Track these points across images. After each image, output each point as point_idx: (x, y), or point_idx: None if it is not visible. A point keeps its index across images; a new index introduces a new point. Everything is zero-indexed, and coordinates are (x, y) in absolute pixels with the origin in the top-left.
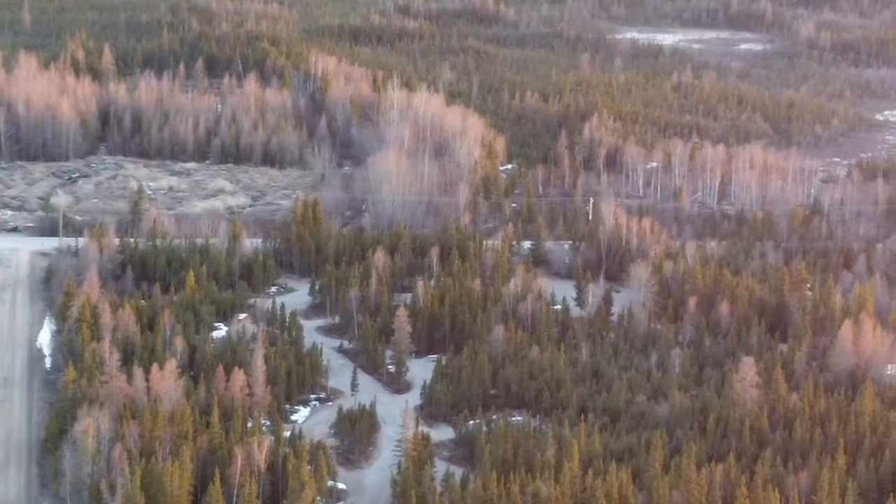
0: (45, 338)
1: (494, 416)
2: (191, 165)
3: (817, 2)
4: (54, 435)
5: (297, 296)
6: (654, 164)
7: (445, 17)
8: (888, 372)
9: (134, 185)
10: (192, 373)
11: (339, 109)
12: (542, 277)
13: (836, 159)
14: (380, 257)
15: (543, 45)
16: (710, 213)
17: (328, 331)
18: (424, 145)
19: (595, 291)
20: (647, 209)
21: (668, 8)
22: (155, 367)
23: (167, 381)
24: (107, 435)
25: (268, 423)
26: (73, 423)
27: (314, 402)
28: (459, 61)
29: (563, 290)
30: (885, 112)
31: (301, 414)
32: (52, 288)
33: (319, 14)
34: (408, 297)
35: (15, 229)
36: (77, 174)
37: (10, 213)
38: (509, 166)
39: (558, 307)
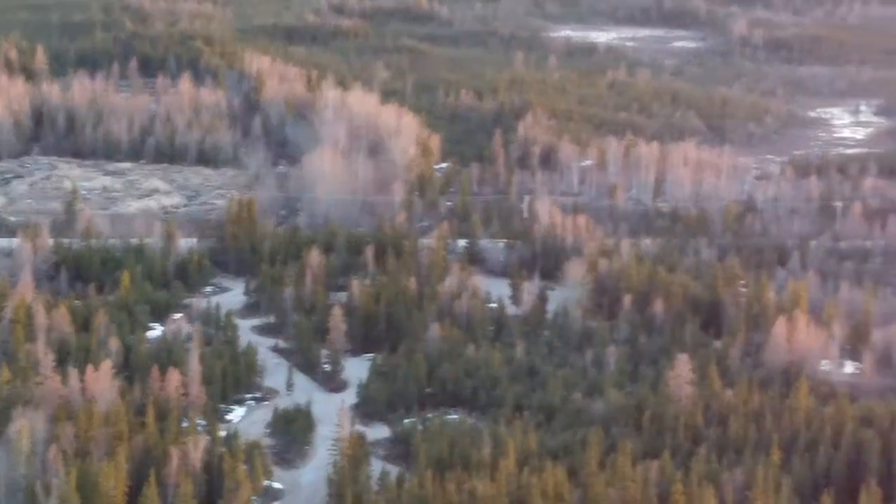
0: None
1: (430, 415)
2: (125, 165)
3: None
4: None
5: (233, 295)
6: (589, 162)
7: (380, 15)
8: (822, 368)
9: (68, 185)
10: (127, 373)
11: (273, 109)
12: (478, 276)
13: (769, 156)
14: (315, 256)
15: (478, 43)
16: (645, 210)
17: (263, 330)
18: (359, 144)
19: (530, 289)
20: (582, 207)
21: (602, 6)
22: (90, 367)
23: (102, 381)
24: (41, 436)
25: (203, 422)
26: (8, 424)
27: (250, 402)
28: (394, 60)
29: (499, 289)
30: (818, 109)
31: (236, 413)
32: None
33: (253, 13)
34: (343, 296)
35: None
36: (10, 174)
37: None
38: (444, 165)
39: (494, 305)
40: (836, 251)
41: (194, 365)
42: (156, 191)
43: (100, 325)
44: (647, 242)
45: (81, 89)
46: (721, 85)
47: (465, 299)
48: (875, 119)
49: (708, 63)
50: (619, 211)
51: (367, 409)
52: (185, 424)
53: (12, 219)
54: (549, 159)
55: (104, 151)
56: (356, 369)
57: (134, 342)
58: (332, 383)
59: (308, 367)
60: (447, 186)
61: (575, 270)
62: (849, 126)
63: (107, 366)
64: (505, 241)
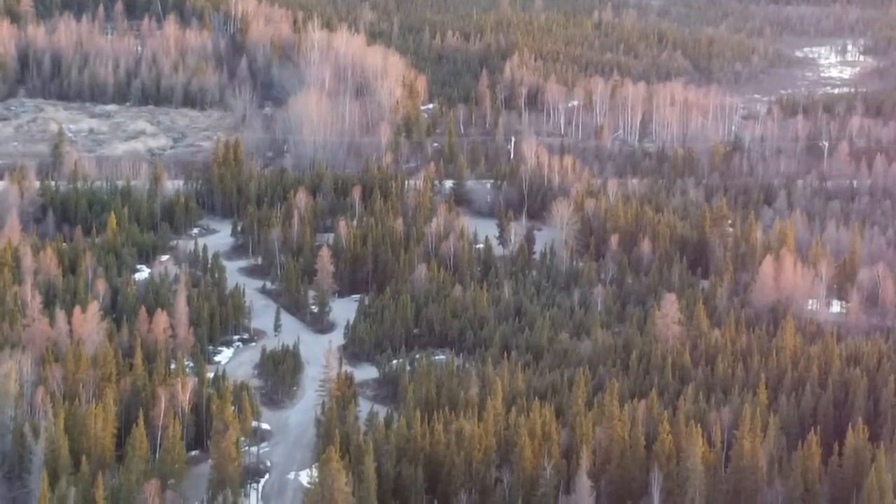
0: None
1: (417, 356)
2: (111, 108)
3: None
4: None
5: (220, 237)
6: (575, 103)
7: None
8: (809, 307)
9: (54, 127)
10: (114, 315)
11: (259, 50)
12: (464, 216)
13: (756, 96)
14: (301, 198)
15: None
16: (632, 150)
17: (250, 272)
18: (345, 86)
19: (517, 230)
20: (569, 147)
21: None
22: (77, 309)
23: (89, 323)
24: (29, 378)
25: (191, 364)
26: None
27: (237, 343)
28: (380, 1)
29: (485, 229)
30: (805, 49)
31: (224, 355)
32: None
33: None
34: (330, 237)
35: None
36: None
37: None
38: (430, 106)
39: (480, 246)
40: (823, 190)
41: (181, 306)
42: (142, 133)
43: (87, 268)
44: (633, 183)
45: (67, 32)
46: (707, 25)
47: (451, 240)
48: (862, 58)
49: (694, 3)
50: (605, 151)
51: (354, 350)
52: (172, 366)
53: None
54: (535, 100)
55: (90, 94)
56: (343, 310)
57: (121, 284)
58: (320, 324)
59: (295, 308)
60: (433, 127)
61: (561, 211)
62: (835, 65)
63: (94, 308)
64: (491, 181)
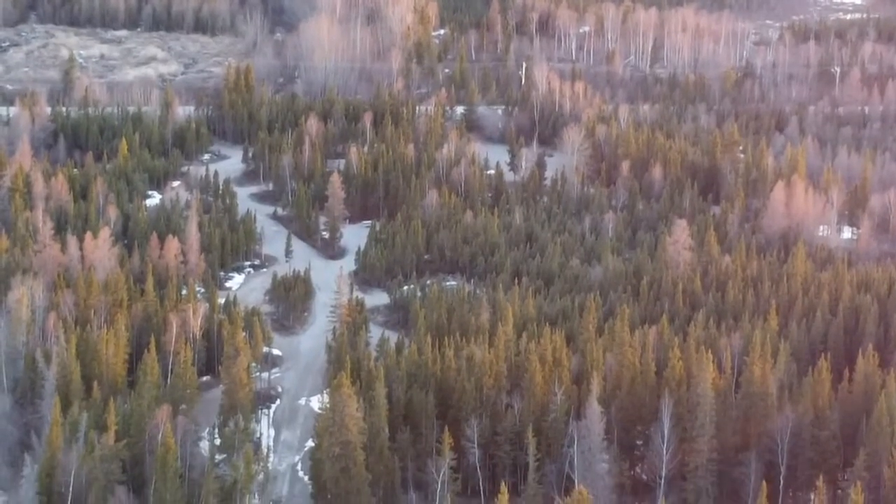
0: None
1: (428, 282)
2: (122, 33)
3: None
4: None
5: (231, 163)
6: (587, 28)
7: None
8: (820, 233)
9: (65, 53)
10: (125, 241)
11: None
12: (475, 142)
13: (767, 21)
14: (312, 124)
15: None
16: (643, 76)
17: (262, 197)
18: (356, 11)
19: (528, 156)
20: (580, 73)
21: None
22: (88, 235)
23: (101, 249)
24: (41, 304)
25: (202, 290)
26: (7, 292)
27: (248, 269)
28: None
29: (497, 155)
30: None
31: (235, 281)
32: None
33: None
34: (341, 163)
35: None
36: (7, 43)
37: None
38: (441, 31)
39: (491, 172)
40: (835, 117)
41: (193, 232)
42: (153, 59)
43: (98, 193)
44: (644, 109)
45: None
46: None
47: (462, 166)
48: None
49: None
50: (616, 77)
51: (365, 276)
52: (184, 292)
53: (9, 87)
54: (546, 25)
55: (101, 19)
56: (354, 236)
57: (132, 210)
58: (331, 250)
59: (306, 234)
60: (444, 53)
61: (573, 137)
62: None
63: (105, 234)
64: (502, 107)
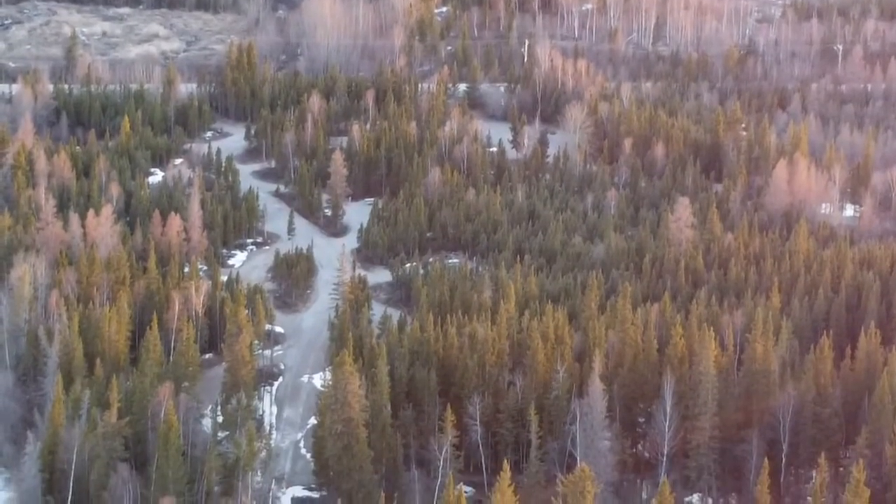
0: None
1: (431, 259)
2: (124, 10)
3: None
4: None
5: (233, 140)
6: (589, 6)
7: None
8: (822, 211)
9: (67, 30)
10: (128, 218)
11: None
12: (478, 120)
13: None
14: (315, 101)
15: None
16: (645, 54)
17: (264, 175)
18: None
19: (530, 133)
20: (582, 51)
21: None
22: (91, 213)
23: (103, 226)
24: (43, 281)
25: (205, 267)
26: (10, 269)
27: (251, 247)
28: None
29: (499, 133)
30: None
31: (238, 258)
32: None
33: None
34: (343, 140)
35: None
36: (9, 20)
37: None
38: (444, 9)
39: (494, 149)
40: (837, 94)
41: (195, 210)
42: (155, 36)
43: (100, 171)
44: (647, 86)
45: None
46: None
47: (465, 143)
48: None
49: None
50: (619, 55)
51: (367, 254)
52: (186, 269)
53: (12, 64)
54: (549, 3)
55: None
56: (356, 214)
57: (135, 187)
58: (333, 228)
59: (309, 211)
60: (447, 31)
61: (575, 114)
62: None
63: (108, 211)
64: (505, 85)
